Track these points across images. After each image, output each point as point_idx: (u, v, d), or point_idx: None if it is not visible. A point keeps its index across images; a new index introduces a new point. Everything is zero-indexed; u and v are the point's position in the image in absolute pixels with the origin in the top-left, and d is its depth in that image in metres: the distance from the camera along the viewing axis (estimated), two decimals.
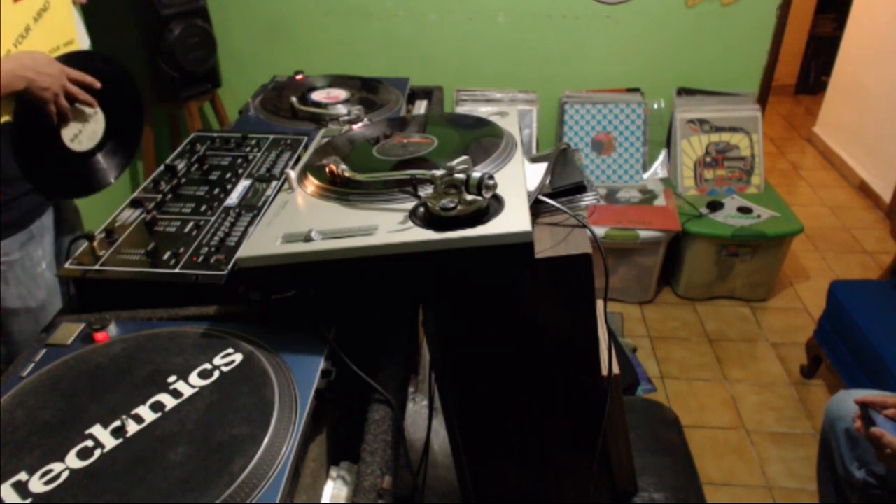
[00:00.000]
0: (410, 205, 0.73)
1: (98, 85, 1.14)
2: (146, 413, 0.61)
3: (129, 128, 1.24)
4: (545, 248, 0.79)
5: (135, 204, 0.96)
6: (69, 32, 1.19)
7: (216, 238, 0.86)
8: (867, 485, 1.28)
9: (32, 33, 1.10)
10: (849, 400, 1.36)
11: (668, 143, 2.82)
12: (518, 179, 0.76)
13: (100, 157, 1.20)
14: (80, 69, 1.12)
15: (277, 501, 0.54)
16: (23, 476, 0.55)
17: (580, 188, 0.86)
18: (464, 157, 0.72)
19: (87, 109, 1.15)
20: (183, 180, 1.02)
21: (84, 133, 1.16)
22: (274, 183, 1.00)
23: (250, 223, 0.90)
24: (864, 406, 1.20)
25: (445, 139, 0.90)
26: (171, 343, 0.71)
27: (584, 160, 2.75)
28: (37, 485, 0.55)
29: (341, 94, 1.38)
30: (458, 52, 2.78)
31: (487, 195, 0.68)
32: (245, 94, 2.24)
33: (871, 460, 1.27)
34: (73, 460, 0.57)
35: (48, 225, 1.33)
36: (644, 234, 2.43)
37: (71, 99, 1.11)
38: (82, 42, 1.25)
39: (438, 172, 0.70)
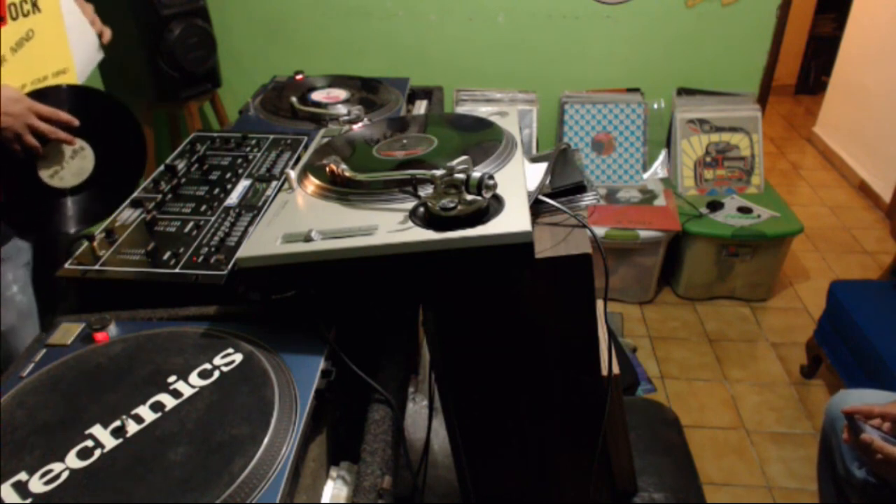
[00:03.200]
0: (410, 205, 0.73)
1: (75, 122, 1.09)
2: (146, 413, 0.61)
3: (126, 165, 1.18)
4: (545, 248, 0.79)
5: (135, 204, 0.96)
6: (61, 62, 1.15)
7: (216, 238, 0.86)
8: (868, 484, 1.28)
9: (8, 65, 1.06)
10: (849, 399, 1.36)
11: (668, 143, 2.82)
12: (518, 179, 0.76)
13: (84, 196, 1.14)
14: (64, 104, 1.07)
15: (277, 501, 0.54)
16: (23, 476, 0.55)
17: (580, 188, 0.85)
18: (464, 157, 0.72)
19: (67, 146, 1.11)
20: (183, 180, 1.02)
21: (67, 170, 1.11)
22: (274, 183, 1.00)
23: (250, 223, 0.90)
24: (851, 416, 1.20)
25: (445, 139, 0.90)
26: (171, 343, 0.71)
27: (584, 160, 2.76)
28: (37, 485, 0.54)
29: (341, 94, 1.38)
30: (458, 52, 2.78)
31: (487, 195, 0.68)
32: (245, 94, 2.24)
33: None
34: (73, 460, 0.56)
35: (23, 247, 1.27)
36: (644, 234, 2.43)
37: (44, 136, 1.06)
38: (87, 61, 1.20)
39: (438, 172, 0.70)
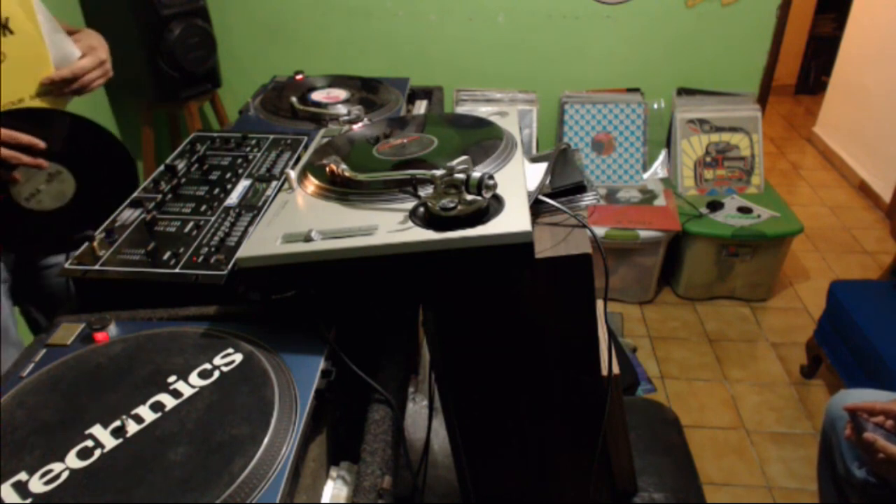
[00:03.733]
0: (410, 205, 0.73)
1: (40, 145, 1.04)
2: (146, 413, 0.61)
3: (112, 190, 1.10)
4: (545, 248, 0.79)
5: (135, 204, 0.96)
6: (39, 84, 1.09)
7: (216, 238, 0.86)
8: (868, 484, 1.28)
9: None
10: (849, 399, 1.35)
11: (668, 143, 2.82)
12: (518, 179, 0.76)
13: (65, 219, 1.09)
14: (32, 128, 1.02)
15: (277, 501, 0.54)
16: (23, 476, 0.55)
17: (580, 188, 0.85)
18: (464, 157, 0.72)
19: (40, 170, 1.05)
20: (183, 180, 1.02)
21: (45, 193, 1.06)
22: (274, 183, 1.00)
23: (250, 223, 0.90)
24: (853, 413, 1.20)
25: (445, 139, 0.90)
26: (171, 343, 0.71)
27: (584, 160, 2.76)
28: (37, 485, 0.54)
29: (341, 94, 1.38)
30: (458, 52, 2.78)
31: (487, 195, 0.68)
32: (245, 94, 2.24)
33: None
34: (73, 460, 0.56)
35: None
36: (644, 234, 2.43)
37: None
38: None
39: (438, 172, 0.70)
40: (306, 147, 1.12)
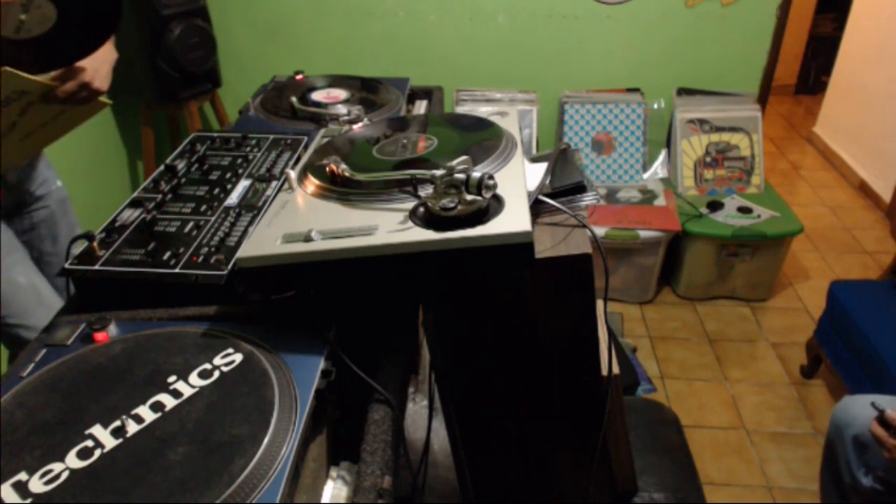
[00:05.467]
0: (410, 205, 0.73)
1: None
2: (146, 413, 0.61)
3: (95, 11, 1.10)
4: (545, 248, 0.79)
5: (135, 204, 0.96)
6: None
7: (216, 238, 0.86)
8: (874, 492, 1.27)
9: None
10: (855, 406, 1.35)
11: (668, 143, 2.82)
12: (518, 179, 0.76)
13: (49, 41, 1.07)
14: None
15: (277, 501, 0.54)
16: (23, 476, 0.55)
17: (580, 188, 0.86)
18: (464, 157, 0.72)
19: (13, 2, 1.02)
20: (183, 180, 1.02)
21: (29, 21, 1.03)
22: (274, 183, 1.00)
23: (250, 223, 0.90)
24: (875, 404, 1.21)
25: (445, 139, 0.90)
26: (171, 343, 0.71)
27: (584, 160, 2.76)
28: (37, 485, 0.54)
29: (341, 94, 1.38)
30: (458, 52, 2.78)
31: (487, 195, 0.68)
32: (245, 94, 2.24)
33: (878, 466, 1.26)
34: (73, 460, 0.56)
35: None
36: (644, 234, 2.43)
37: None
38: None
39: (438, 172, 0.70)
40: (306, 147, 1.12)
